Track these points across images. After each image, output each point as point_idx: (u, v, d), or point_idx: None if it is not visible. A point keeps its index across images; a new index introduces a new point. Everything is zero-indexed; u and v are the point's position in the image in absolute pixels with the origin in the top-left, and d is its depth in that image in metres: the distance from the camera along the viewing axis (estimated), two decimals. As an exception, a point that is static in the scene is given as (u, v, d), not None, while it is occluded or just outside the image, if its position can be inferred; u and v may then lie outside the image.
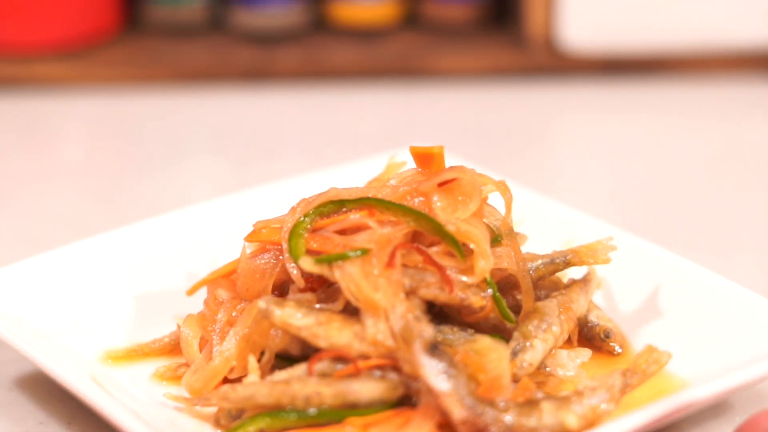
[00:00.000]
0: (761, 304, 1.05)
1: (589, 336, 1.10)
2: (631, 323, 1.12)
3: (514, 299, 1.07)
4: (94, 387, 0.99)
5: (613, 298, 1.15)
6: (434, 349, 0.93)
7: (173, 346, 1.09)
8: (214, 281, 1.09)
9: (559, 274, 1.12)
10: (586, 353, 1.06)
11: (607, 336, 1.09)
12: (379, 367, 0.96)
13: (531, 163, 1.63)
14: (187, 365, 1.05)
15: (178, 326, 1.08)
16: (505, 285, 1.07)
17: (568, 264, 1.09)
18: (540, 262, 1.09)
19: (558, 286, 1.12)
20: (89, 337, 1.10)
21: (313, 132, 1.72)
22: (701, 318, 1.08)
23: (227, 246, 1.16)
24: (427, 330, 0.94)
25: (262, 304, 0.97)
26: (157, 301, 1.16)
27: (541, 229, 1.20)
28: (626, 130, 1.69)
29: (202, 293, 1.11)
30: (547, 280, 1.11)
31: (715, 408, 1.04)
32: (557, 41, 1.78)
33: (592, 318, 1.10)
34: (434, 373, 0.92)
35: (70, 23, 1.81)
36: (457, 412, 0.92)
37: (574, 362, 1.05)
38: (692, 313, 1.09)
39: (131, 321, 1.14)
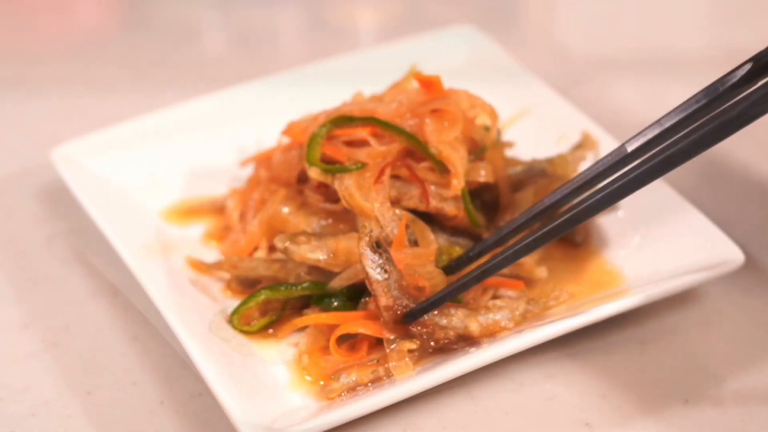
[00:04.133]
0: (707, 227, 1.20)
1: None
2: (602, 227, 1.29)
3: (494, 197, 1.27)
4: (140, 251, 1.23)
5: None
6: (377, 246, 1.12)
7: (221, 207, 1.34)
8: (259, 160, 1.33)
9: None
10: None
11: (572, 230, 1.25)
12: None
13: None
14: (230, 228, 1.31)
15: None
16: (488, 185, 1.26)
17: (543, 172, 1.27)
18: (519, 169, 1.28)
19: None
20: (154, 195, 1.35)
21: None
22: (661, 233, 1.24)
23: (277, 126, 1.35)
24: (376, 230, 1.15)
25: (279, 243, 1.20)
26: (214, 170, 1.40)
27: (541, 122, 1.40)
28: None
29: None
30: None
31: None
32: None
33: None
34: (372, 265, 1.12)
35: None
36: (383, 299, 1.12)
37: None
38: (655, 228, 1.25)
39: (191, 184, 1.39)
